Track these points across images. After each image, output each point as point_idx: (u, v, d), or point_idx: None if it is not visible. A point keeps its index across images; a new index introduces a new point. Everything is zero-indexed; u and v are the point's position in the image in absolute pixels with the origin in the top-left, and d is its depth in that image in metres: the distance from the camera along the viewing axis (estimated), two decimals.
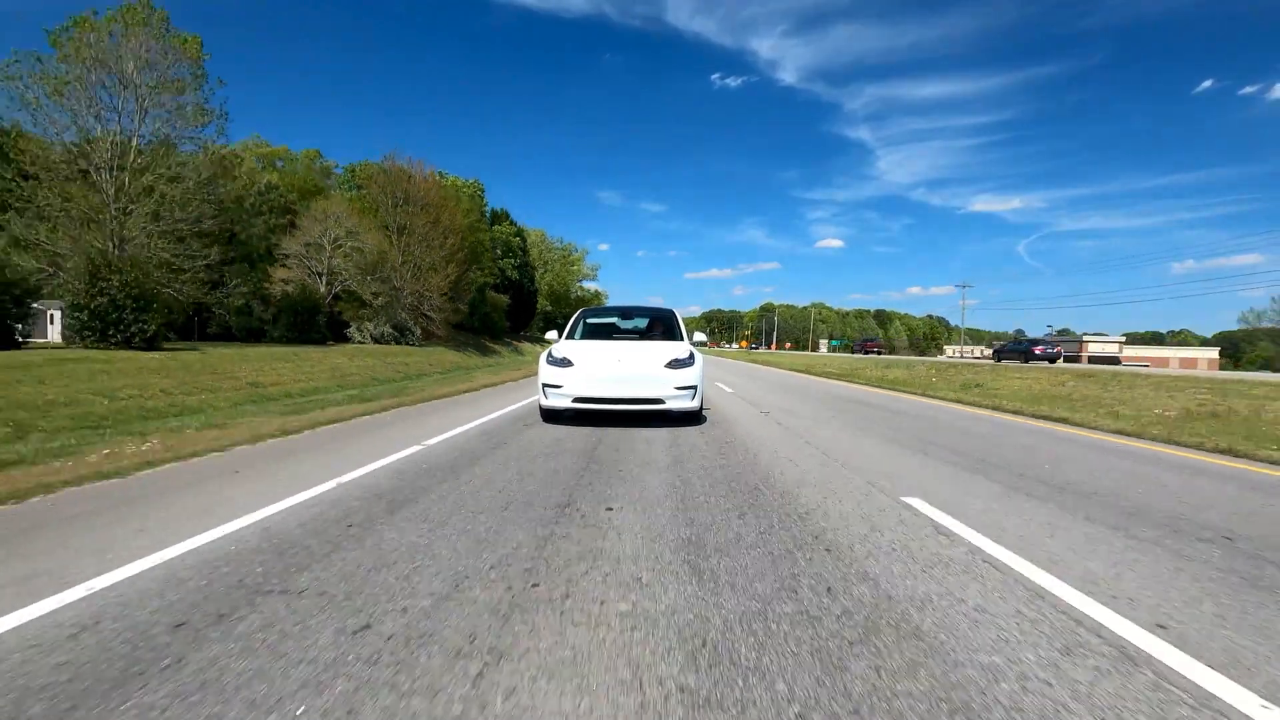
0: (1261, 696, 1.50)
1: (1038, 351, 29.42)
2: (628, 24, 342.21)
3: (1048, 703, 1.46)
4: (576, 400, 5.88)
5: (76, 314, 13.12)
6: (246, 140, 34.70)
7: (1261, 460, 5.07)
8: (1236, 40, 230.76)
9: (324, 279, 24.60)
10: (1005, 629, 1.84)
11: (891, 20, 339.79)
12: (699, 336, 7.62)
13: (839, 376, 18.01)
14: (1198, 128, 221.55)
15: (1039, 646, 1.73)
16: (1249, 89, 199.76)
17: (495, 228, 46.47)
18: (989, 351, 41.63)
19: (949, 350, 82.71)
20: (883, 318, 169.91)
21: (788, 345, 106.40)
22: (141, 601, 1.94)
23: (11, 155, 15.78)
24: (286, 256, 24.08)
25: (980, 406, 9.64)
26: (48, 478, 3.74)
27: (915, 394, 12.26)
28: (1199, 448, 5.75)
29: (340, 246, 24.61)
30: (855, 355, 41.86)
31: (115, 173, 15.86)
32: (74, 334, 13.27)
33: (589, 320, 7.97)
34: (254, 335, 24.30)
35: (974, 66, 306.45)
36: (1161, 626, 1.88)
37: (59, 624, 1.79)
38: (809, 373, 19.95)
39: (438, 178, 34.41)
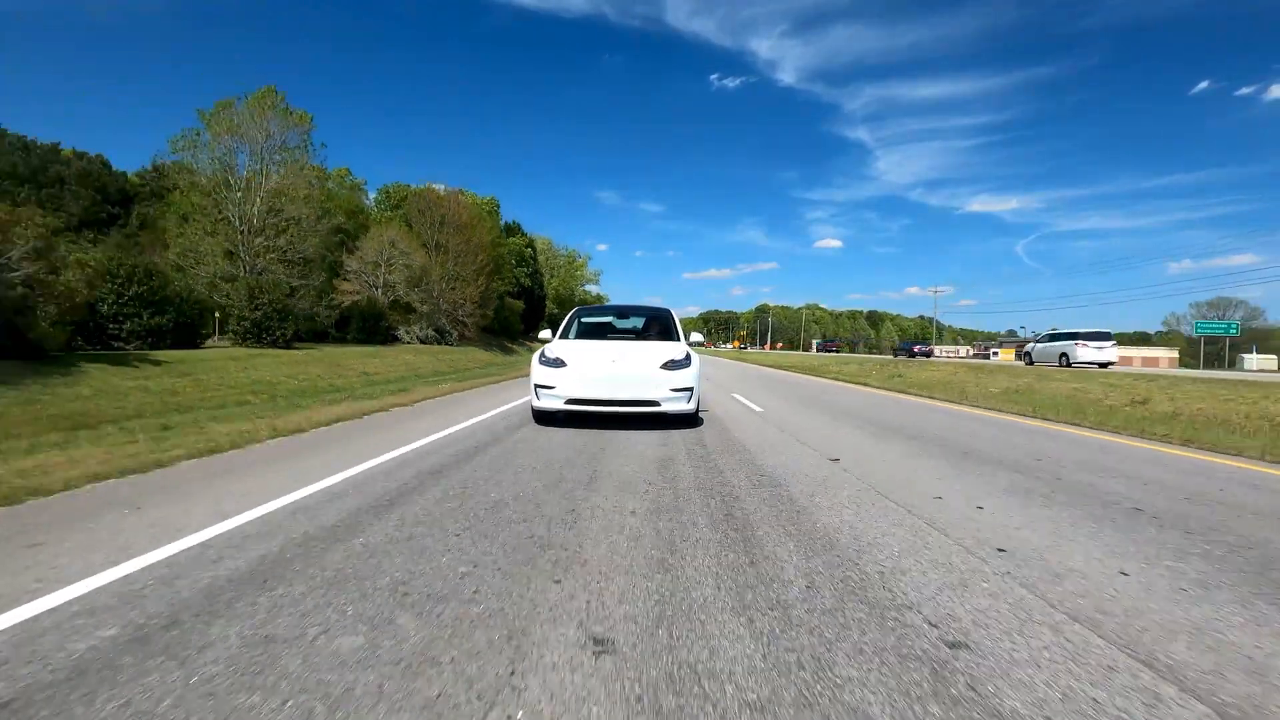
0: (967, 501, 3.24)
1: (915, 350, 43.28)
2: (627, 24, 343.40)
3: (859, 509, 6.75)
4: (569, 402, 5.80)
5: (241, 322, 18.45)
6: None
7: (1015, 414, 8.33)
8: (1233, 42, 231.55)
9: (381, 290, 29.92)
10: (814, 476, 7.11)
11: (890, 21, 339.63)
12: (696, 337, 7.65)
13: (793, 369, 23.29)
14: (1195, 128, 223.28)
15: (846, 493, 6.98)
16: (1246, 90, 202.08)
17: (510, 239, 51.81)
18: (972, 352, 47.87)
19: (938, 350, 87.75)
20: (875, 318, 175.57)
21: (779, 345, 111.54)
22: (391, 473, 3.76)
23: (176, 204, 21.16)
24: (350, 272, 29.40)
25: (891, 390, 14.53)
26: (331, 418, 9.00)
27: (848, 382, 17.01)
28: (998, 410, 8.82)
29: (394, 264, 29.93)
30: (819, 354, 48.24)
31: (245, 218, 21.25)
32: (238, 337, 18.58)
33: (583, 319, 7.85)
34: (318, 337, 29.50)
35: (972, 67, 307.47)
36: (940, 485, 7.17)
37: (374, 472, 6.99)
38: (774, 368, 25.24)
39: (468, 200, 39.76)
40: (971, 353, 74.93)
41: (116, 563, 2.24)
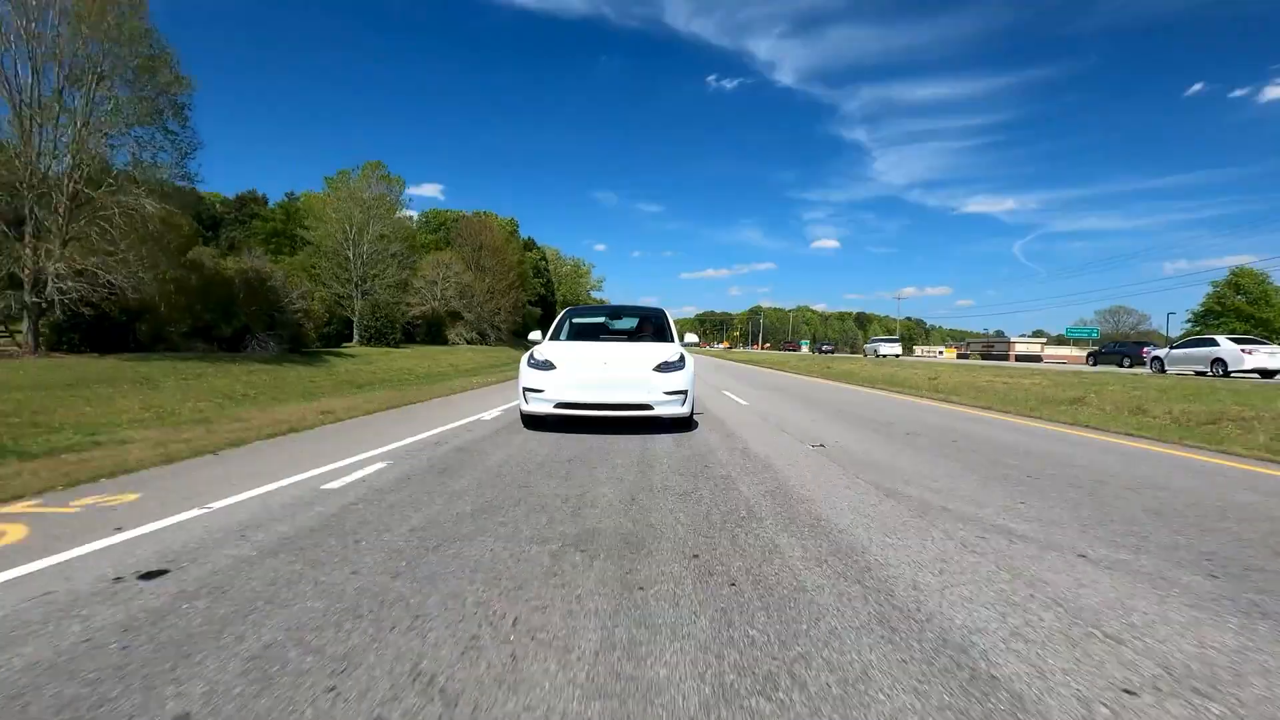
0: (812, 425, 7.04)
1: (824, 349, 55.67)
2: (626, 25, 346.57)
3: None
4: (559, 406, 5.62)
5: (366, 329, 26.93)
6: None
7: (865, 385, 18.71)
8: (1227, 44, 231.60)
9: (439, 302, 38.39)
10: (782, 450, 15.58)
11: (888, 22, 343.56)
12: (690, 337, 7.65)
13: (760, 364, 31.72)
14: (1189, 130, 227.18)
15: (796, 451, 15.44)
16: (1240, 91, 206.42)
17: (528, 254, 60.32)
18: (953, 353, 56.52)
19: (916, 350, 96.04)
20: (863, 320, 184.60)
21: (766, 345, 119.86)
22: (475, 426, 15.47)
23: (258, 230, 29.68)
24: (416, 289, 37.86)
25: (837, 380, 23.22)
26: (456, 390, 17.52)
27: (790, 372, 25.67)
28: (868, 386, 19.35)
29: (448, 282, 38.40)
30: (785, 352, 58.02)
31: (357, 254, 29.76)
32: (364, 340, 27.02)
33: (575, 320, 7.70)
34: (381, 339, 37.85)
35: (970, 68, 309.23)
36: (840, 441, 15.61)
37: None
38: (747, 363, 33.72)
39: (496, 223, 48.25)
40: (940, 352, 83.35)
41: (411, 435, 10.49)
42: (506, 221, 58.94)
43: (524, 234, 64.27)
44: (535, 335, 7.16)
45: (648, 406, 5.72)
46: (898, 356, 34.14)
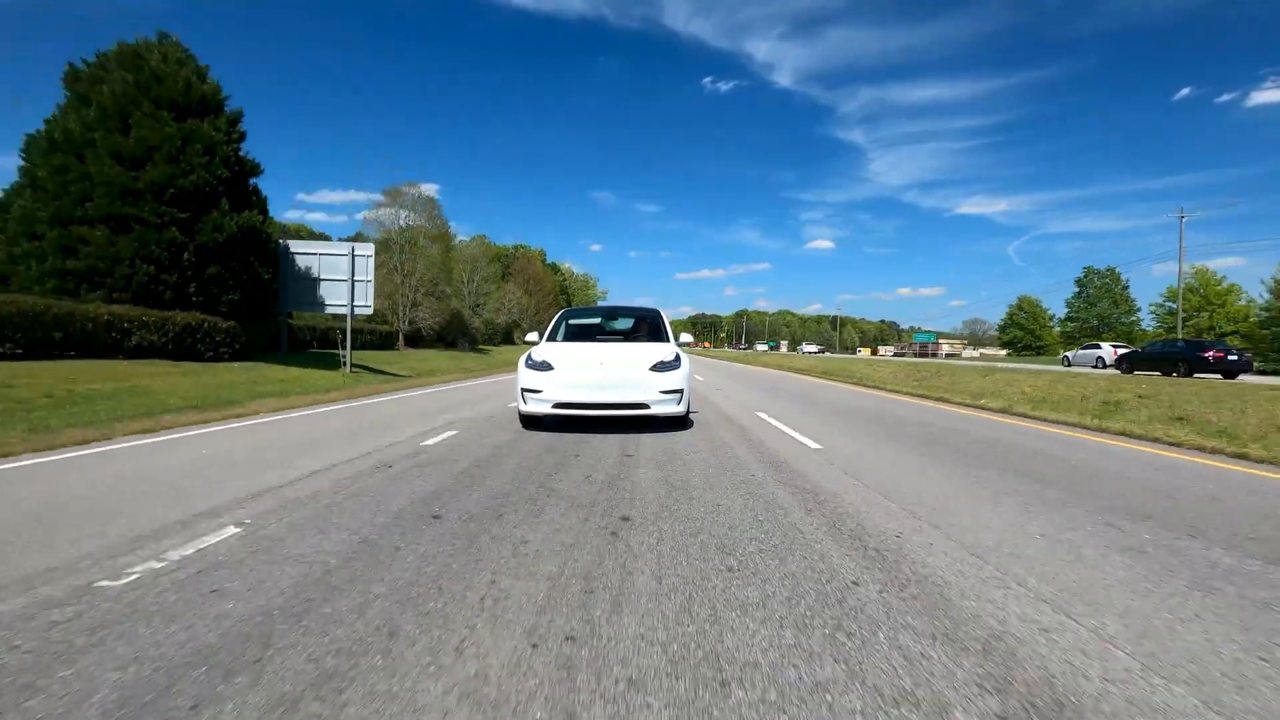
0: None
1: (759, 348, 71.68)
2: (625, 25, 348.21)
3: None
4: (557, 406, 5.66)
5: (431, 330, 45.50)
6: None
7: (800, 372, 37.15)
8: (1216, 49, 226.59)
9: (504, 316, 56.87)
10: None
11: (886, 24, 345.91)
12: (685, 337, 7.72)
13: (733, 360, 50.21)
14: (1180, 133, 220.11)
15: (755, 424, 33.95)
16: (1226, 96, 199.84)
17: (555, 276, 78.82)
18: (867, 352, 75.51)
19: (883, 350, 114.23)
20: (838, 322, 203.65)
21: (742, 346, 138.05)
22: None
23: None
24: (490, 310, 56.28)
25: (755, 364, 41.67)
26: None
27: (736, 362, 44.07)
28: (829, 378, 37.79)
29: (512, 305, 56.86)
30: (750, 350, 77.20)
31: (470, 290, 48.32)
32: (479, 343, 45.42)
33: (571, 321, 7.73)
34: (488, 341, 56.13)
35: (967, 70, 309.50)
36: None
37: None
38: (718, 358, 52.25)
39: (538, 255, 66.72)
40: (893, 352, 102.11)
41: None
42: (539, 253, 77.53)
43: (534, 242, 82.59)
44: (532, 336, 7.25)
45: (644, 406, 5.77)
46: (820, 353, 52.83)
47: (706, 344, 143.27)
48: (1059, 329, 53.50)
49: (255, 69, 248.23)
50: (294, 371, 13.63)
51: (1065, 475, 4.24)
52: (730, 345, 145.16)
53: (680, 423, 6.58)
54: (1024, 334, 52.81)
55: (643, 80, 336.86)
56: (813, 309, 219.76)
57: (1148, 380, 13.21)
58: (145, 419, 6.55)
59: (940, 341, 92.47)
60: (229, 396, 9.24)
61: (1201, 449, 5.48)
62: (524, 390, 5.83)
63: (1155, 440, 6.00)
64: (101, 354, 11.65)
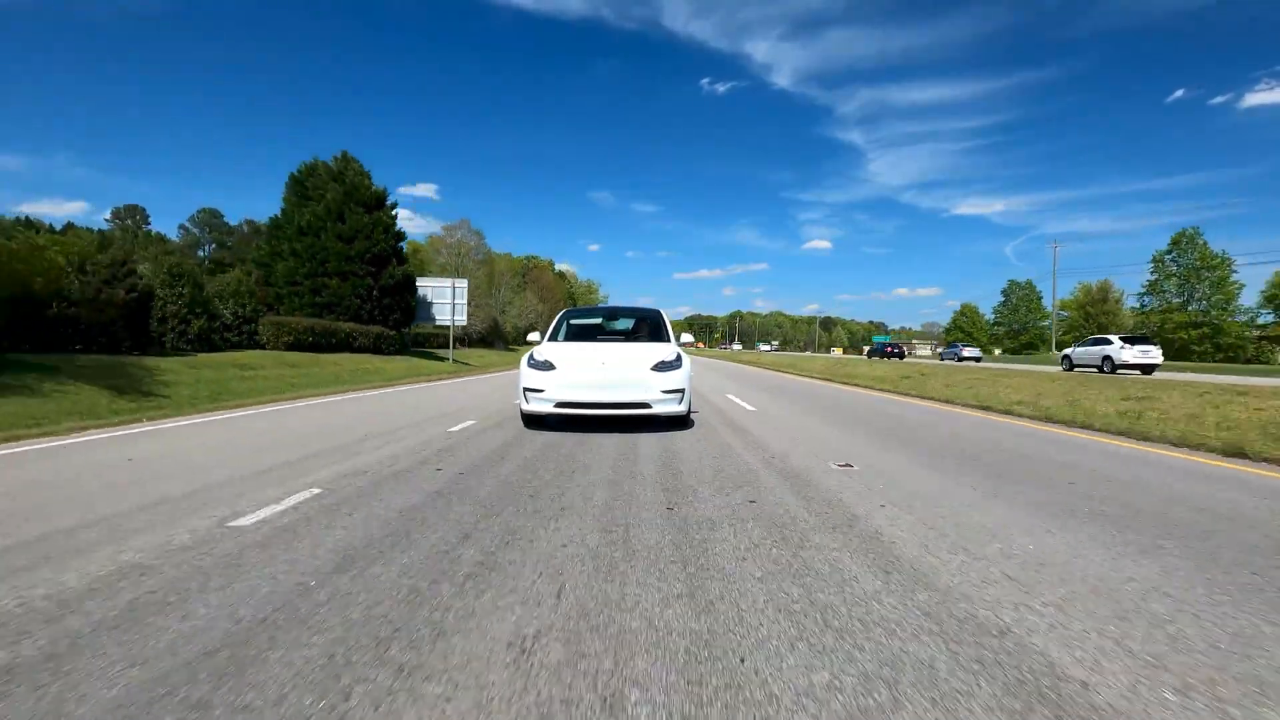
0: (737, 397, 11.35)
1: (734, 347, 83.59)
2: (624, 26, 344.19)
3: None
4: (559, 405, 5.75)
5: (508, 336, 55.49)
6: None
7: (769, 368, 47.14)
8: (1208, 52, 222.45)
9: (526, 322, 66.86)
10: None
11: (885, 25, 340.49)
12: (686, 337, 7.77)
13: (714, 356, 60.15)
14: (1175, 134, 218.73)
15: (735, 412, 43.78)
16: (1220, 98, 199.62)
17: (563, 283, 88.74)
18: (839, 352, 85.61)
19: (864, 350, 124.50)
20: (828, 323, 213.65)
21: (734, 346, 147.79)
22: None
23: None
24: (511, 315, 66.24)
25: (752, 364, 51.65)
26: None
27: (728, 361, 53.97)
28: (776, 370, 47.75)
29: (531, 310, 66.84)
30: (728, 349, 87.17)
31: (497, 300, 58.38)
32: (509, 343, 55.43)
33: (572, 321, 7.86)
34: (489, 344, 65.98)
35: (964, 71, 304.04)
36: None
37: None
38: (709, 357, 62.25)
39: (548, 265, 76.70)
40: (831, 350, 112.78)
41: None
42: (548, 263, 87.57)
43: (533, 241, 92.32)
44: (534, 335, 7.39)
45: (646, 405, 5.81)
46: (774, 350, 63.09)
47: (700, 344, 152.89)
48: (990, 331, 63.81)
49: (255, 68, 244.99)
50: (426, 361, 23.50)
51: (875, 416, 14.04)
52: (721, 345, 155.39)
53: (681, 422, 6.61)
54: (963, 335, 62.79)
55: (642, 81, 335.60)
56: (810, 309, 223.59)
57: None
58: (398, 381, 16.25)
59: (914, 342, 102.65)
60: (415, 371, 19.03)
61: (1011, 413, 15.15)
62: (526, 390, 5.85)
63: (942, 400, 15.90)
64: (340, 349, 21.48)
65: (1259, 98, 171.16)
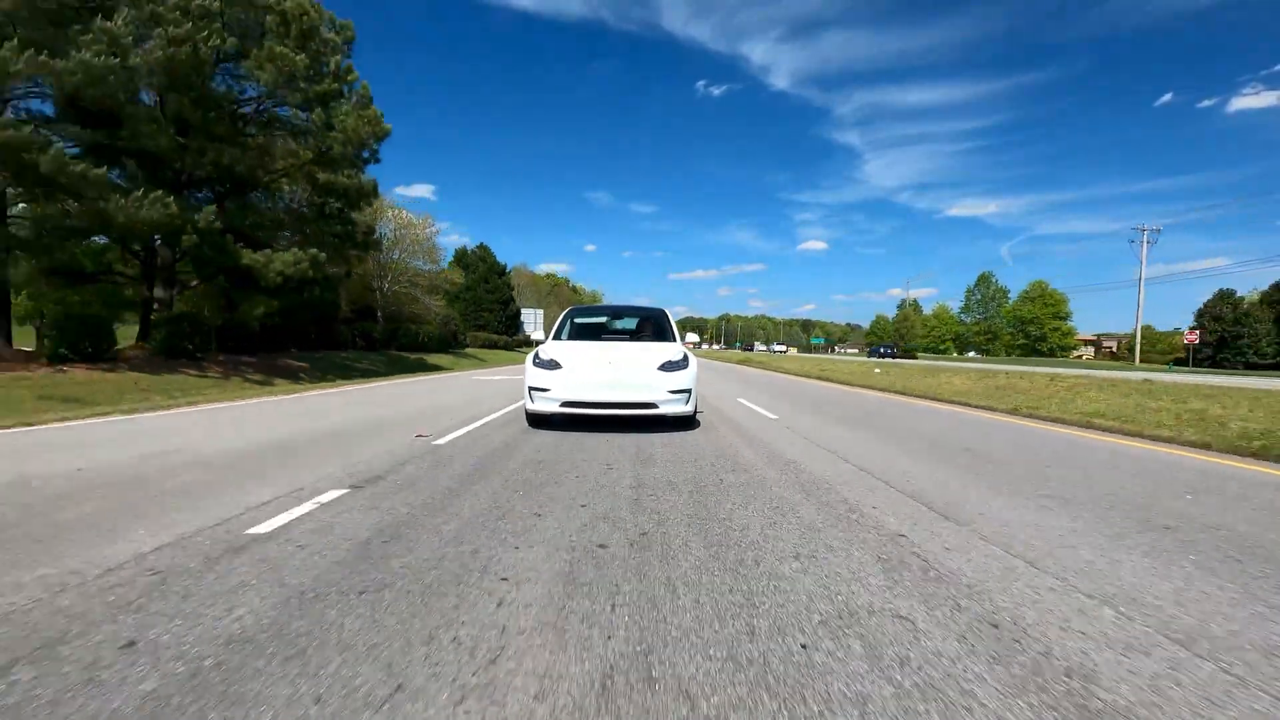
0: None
1: (715, 348, 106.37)
2: (624, 28, 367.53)
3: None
4: (564, 405, 5.78)
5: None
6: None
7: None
8: (1198, 56, 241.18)
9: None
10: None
11: (882, 28, 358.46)
12: (691, 337, 7.86)
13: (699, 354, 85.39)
14: (1169, 137, 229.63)
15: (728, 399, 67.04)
16: (1207, 102, 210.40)
17: (573, 293, 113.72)
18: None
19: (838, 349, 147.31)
20: (808, 326, 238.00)
21: (722, 346, 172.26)
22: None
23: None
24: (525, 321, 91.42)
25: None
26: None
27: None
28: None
29: (553, 318, 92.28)
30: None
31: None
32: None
33: (577, 320, 7.86)
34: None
35: (960, 74, 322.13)
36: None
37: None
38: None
39: (563, 281, 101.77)
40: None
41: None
42: (564, 280, 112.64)
43: (531, 242, 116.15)
44: (538, 335, 7.49)
45: (653, 405, 5.78)
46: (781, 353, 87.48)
47: (716, 344, 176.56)
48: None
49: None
50: (523, 353, 48.76)
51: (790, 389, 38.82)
52: (711, 345, 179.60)
53: (687, 422, 6.48)
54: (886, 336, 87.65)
55: (641, 81, 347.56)
56: (807, 309, 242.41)
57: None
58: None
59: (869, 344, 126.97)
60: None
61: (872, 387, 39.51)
62: (532, 389, 5.86)
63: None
64: (498, 348, 46.29)
65: (1245, 102, 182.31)
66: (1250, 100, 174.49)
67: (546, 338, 7.09)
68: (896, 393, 12.56)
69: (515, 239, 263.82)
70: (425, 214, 37.64)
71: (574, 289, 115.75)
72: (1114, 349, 65.39)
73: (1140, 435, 6.28)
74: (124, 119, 13.10)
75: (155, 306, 16.15)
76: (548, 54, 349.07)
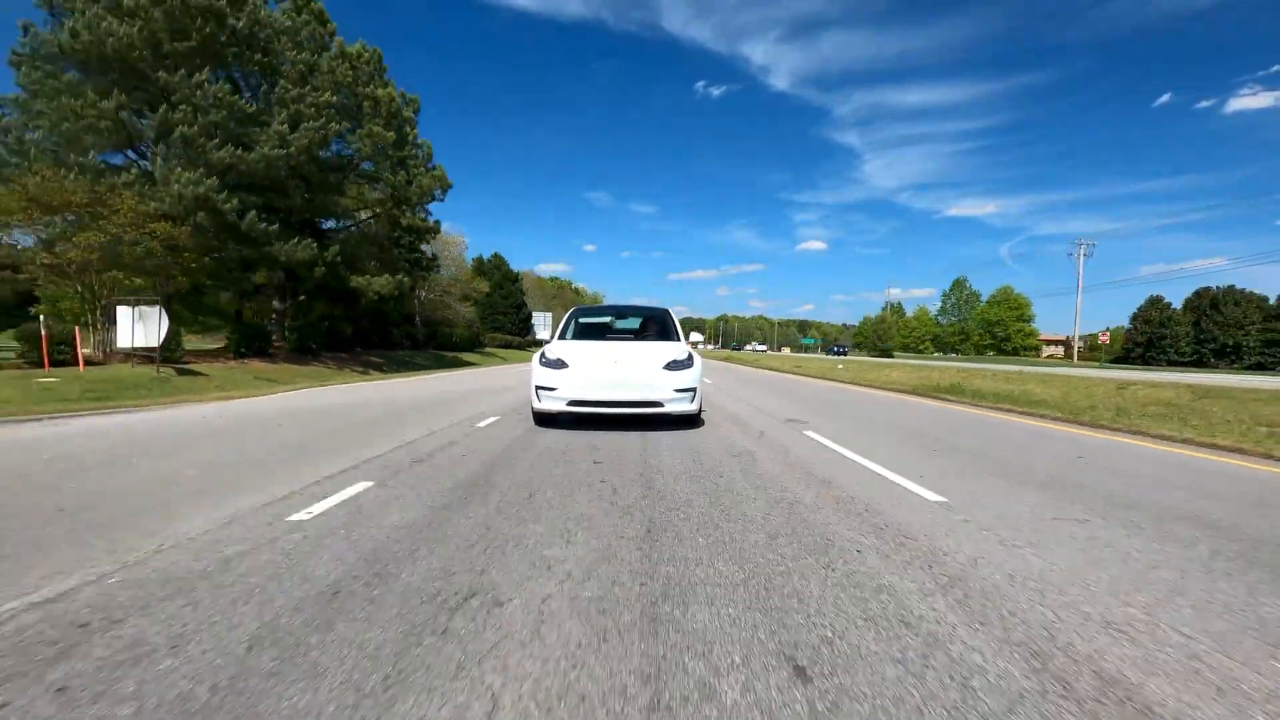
0: (715, 385, 14.21)
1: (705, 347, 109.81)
2: (624, 29, 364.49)
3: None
4: (571, 404, 5.87)
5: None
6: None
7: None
8: (1194, 57, 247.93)
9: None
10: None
11: (881, 29, 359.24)
12: (695, 336, 7.88)
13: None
14: (1166, 138, 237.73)
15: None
16: (1205, 103, 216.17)
17: (578, 298, 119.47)
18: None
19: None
20: (805, 326, 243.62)
21: (717, 345, 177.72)
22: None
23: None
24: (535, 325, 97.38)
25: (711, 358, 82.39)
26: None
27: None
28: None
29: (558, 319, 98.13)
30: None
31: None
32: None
33: (581, 320, 7.92)
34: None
35: (960, 75, 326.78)
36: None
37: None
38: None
39: (569, 285, 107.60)
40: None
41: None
42: (568, 282, 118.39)
43: (529, 242, 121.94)
44: (544, 334, 7.83)
45: (658, 404, 5.88)
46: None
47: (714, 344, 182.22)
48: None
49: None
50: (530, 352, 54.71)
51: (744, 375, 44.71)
52: (708, 345, 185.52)
53: (691, 421, 6.63)
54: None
55: (641, 82, 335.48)
56: (806, 309, 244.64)
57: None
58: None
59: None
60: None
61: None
62: (539, 388, 5.94)
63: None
64: (510, 348, 52.17)
65: (1243, 103, 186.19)
66: (1248, 101, 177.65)
67: (552, 338, 7.24)
68: (832, 380, 18.40)
69: (515, 239, 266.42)
70: (459, 234, 43.46)
71: (576, 291, 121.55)
72: (1083, 349, 70.88)
73: (968, 403, 12.20)
74: (279, 186, 18.92)
75: (273, 317, 21.92)
76: (548, 54, 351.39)
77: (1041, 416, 8.82)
